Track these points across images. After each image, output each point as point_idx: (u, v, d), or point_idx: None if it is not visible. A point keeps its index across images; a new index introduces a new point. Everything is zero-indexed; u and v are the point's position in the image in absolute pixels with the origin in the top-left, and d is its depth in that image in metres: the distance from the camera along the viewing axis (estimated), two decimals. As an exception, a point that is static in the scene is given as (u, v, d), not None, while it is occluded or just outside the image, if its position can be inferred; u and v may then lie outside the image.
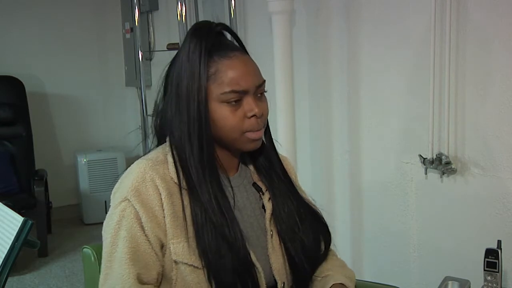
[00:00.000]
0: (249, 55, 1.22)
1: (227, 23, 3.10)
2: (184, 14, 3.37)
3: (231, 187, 1.22)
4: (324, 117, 2.71)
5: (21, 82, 4.15)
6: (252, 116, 1.17)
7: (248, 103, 1.17)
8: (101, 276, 1.14)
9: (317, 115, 2.75)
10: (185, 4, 3.38)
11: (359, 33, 2.43)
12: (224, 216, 1.15)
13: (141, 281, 1.12)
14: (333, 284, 1.24)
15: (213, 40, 1.17)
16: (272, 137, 1.31)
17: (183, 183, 1.16)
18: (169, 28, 4.11)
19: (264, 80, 1.21)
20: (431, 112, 2.09)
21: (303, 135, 2.76)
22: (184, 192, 1.16)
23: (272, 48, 2.46)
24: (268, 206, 1.26)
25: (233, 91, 1.15)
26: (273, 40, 2.47)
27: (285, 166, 1.34)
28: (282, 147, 2.24)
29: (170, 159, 1.19)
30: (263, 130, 1.21)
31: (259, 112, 1.17)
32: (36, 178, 3.87)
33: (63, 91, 4.60)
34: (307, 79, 2.76)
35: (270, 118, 1.28)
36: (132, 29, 4.42)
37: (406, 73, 2.24)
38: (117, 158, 4.48)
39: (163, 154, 1.20)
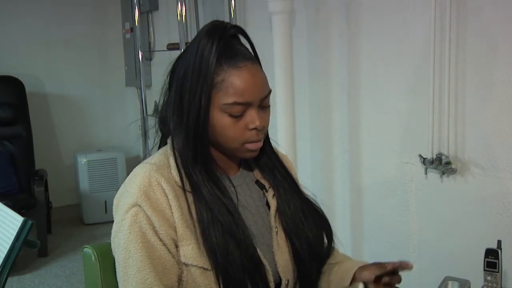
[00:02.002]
0: (259, 64, 1.20)
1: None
2: (184, 14, 3.37)
3: (233, 186, 1.22)
4: (324, 117, 2.71)
5: (21, 82, 4.15)
6: (253, 129, 1.16)
7: (251, 115, 1.15)
8: (120, 280, 1.14)
9: (317, 115, 2.75)
10: (185, 4, 3.38)
11: (359, 33, 2.43)
12: (230, 213, 1.15)
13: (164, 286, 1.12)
14: (359, 267, 1.24)
15: (225, 43, 1.15)
16: (271, 137, 1.31)
17: (187, 186, 1.16)
18: (169, 28, 4.11)
19: (270, 91, 1.19)
20: (431, 112, 2.09)
21: (303, 135, 2.76)
22: (189, 195, 1.16)
23: (272, 48, 2.46)
24: (273, 203, 1.26)
25: (235, 103, 1.13)
26: (273, 40, 2.47)
27: (285, 164, 1.34)
28: (282, 147, 2.24)
29: (172, 162, 1.18)
30: (262, 141, 1.21)
31: (260, 126, 1.16)
32: (36, 178, 3.87)
33: (63, 91, 4.60)
34: (307, 79, 2.76)
35: (270, 117, 1.27)
36: (132, 29, 4.42)
37: (406, 73, 2.24)
38: (117, 158, 4.48)
39: (165, 157, 1.20)
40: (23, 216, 1.64)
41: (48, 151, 4.50)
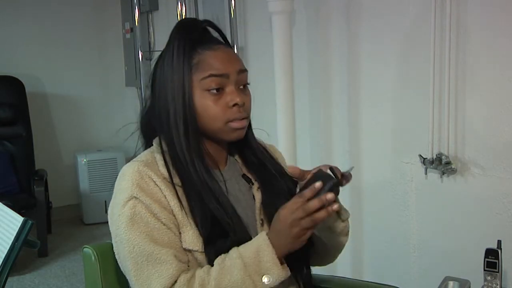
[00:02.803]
0: (233, 50, 1.25)
1: (227, 23, 3.11)
2: (184, 14, 3.37)
3: (224, 180, 1.24)
4: (324, 117, 2.71)
5: (21, 82, 4.15)
6: (234, 105, 1.19)
7: (230, 92, 1.19)
8: (131, 275, 1.13)
9: (317, 115, 2.75)
10: (185, 4, 3.38)
11: (359, 33, 2.43)
12: (219, 202, 1.17)
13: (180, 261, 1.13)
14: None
15: (197, 35, 1.22)
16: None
17: (176, 180, 1.18)
18: (169, 28, 4.05)
19: (246, 70, 1.24)
20: (431, 112, 2.09)
21: (303, 135, 2.76)
22: (178, 189, 1.18)
23: (272, 48, 2.46)
24: (257, 195, 1.28)
25: (211, 75, 1.18)
26: (273, 40, 2.47)
27: (273, 154, 1.36)
28: (282, 146, 2.24)
29: (159, 158, 1.21)
30: (246, 120, 1.23)
31: (241, 101, 1.20)
32: (36, 178, 3.87)
33: (63, 91, 4.60)
34: (307, 79, 2.75)
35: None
36: (132, 29, 4.42)
37: (406, 73, 2.24)
38: (117, 158, 4.48)
39: (151, 156, 1.22)
40: (23, 216, 1.63)
41: (48, 151, 4.49)
